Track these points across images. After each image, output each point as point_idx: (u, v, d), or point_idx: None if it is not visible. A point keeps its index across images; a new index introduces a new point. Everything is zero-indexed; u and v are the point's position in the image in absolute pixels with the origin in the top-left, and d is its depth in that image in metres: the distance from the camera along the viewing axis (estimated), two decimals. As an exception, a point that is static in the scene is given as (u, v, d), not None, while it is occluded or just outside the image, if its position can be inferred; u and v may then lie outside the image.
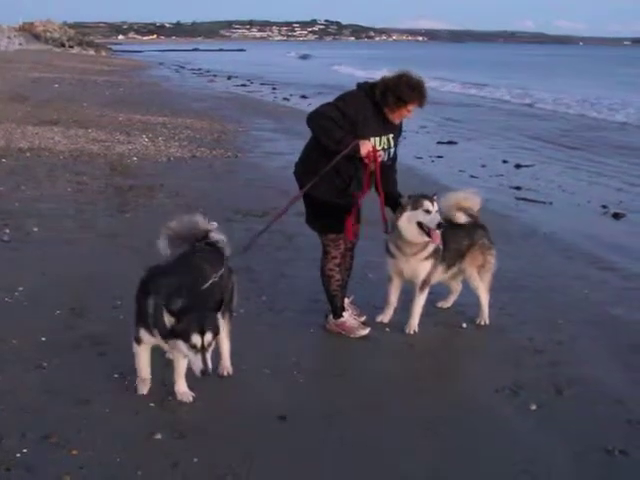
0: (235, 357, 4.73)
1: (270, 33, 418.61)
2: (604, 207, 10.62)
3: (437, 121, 21.23)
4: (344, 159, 5.02)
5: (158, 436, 3.96)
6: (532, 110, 27.02)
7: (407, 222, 5.26)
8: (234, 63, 66.56)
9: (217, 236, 4.63)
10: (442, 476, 3.82)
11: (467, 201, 5.76)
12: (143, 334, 4.15)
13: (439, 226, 5.20)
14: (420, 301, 5.62)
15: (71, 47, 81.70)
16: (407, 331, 5.60)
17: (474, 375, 5.10)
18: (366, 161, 5.07)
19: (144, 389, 4.37)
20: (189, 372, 4.15)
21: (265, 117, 20.43)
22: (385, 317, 5.79)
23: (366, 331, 5.53)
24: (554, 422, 4.38)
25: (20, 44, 69.84)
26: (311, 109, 5.25)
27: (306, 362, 5.05)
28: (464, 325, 5.84)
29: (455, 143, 17.20)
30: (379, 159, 5.16)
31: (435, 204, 5.27)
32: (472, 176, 12.72)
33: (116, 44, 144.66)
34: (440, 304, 6.14)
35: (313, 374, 4.90)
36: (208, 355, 3.79)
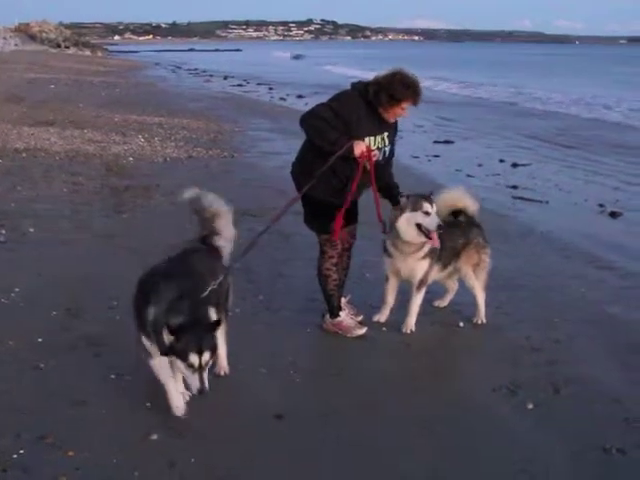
0: (232, 356, 4.72)
1: (266, 33, 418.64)
2: (601, 206, 10.62)
3: (433, 120, 21.23)
4: (340, 159, 5.00)
5: (154, 436, 3.95)
6: (529, 109, 27.01)
7: (406, 223, 5.25)
8: (230, 63, 66.54)
9: (220, 242, 4.63)
10: (441, 476, 3.81)
11: (461, 202, 5.75)
12: (147, 344, 4.07)
13: (438, 227, 5.19)
14: (417, 300, 5.61)
15: (67, 48, 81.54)
16: (404, 330, 5.60)
17: (471, 374, 5.09)
18: (359, 161, 5.05)
19: (180, 405, 4.13)
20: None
21: (262, 117, 20.42)
22: (382, 316, 5.78)
23: (363, 330, 5.53)
24: (552, 421, 4.38)
25: (16, 45, 69.73)
26: (307, 109, 5.25)
27: (303, 361, 5.05)
28: (461, 324, 5.84)
29: (452, 142, 17.19)
30: (374, 158, 5.15)
31: (434, 205, 5.27)
32: (469, 175, 12.73)
33: (112, 44, 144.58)
34: (437, 303, 6.14)
35: (310, 373, 4.90)
36: (205, 374, 3.76)
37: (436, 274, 5.65)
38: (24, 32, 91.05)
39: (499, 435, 4.22)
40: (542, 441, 4.15)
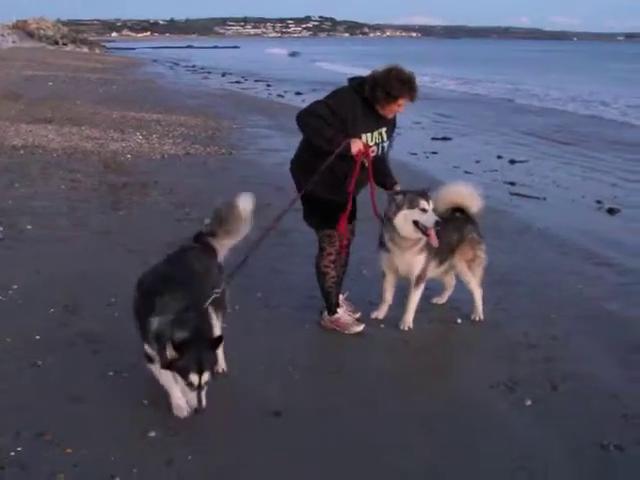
0: (230, 354, 4.71)
1: (264, 30, 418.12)
2: (599, 202, 10.63)
3: (431, 117, 21.20)
4: (337, 157, 4.98)
5: (152, 434, 3.95)
6: (526, 106, 26.99)
7: (403, 221, 5.24)
8: (228, 60, 66.46)
9: (216, 244, 4.64)
10: (439, 473, 3.81)
11: (467, 200, 5.72)
12: (148, 350, 4.06)
13: (436, 224, 5.19)
14: (415, 297, 5.61)
15: (65, 45, 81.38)
16: (402, 327, 5.60)
17: (469, 371, 5.10)
18: (356, 159, 5.04)
19: (183, 406, 4.08)
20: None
21: (260, 114, 20.40)
22: (380, 313, 5.78)
23: (361, 327, 5.53)
24: (550, 418, 4.39)
25: (13, 42, 69.60)
26: (304, 106, 5.24)
27: (301, 358, 5.05)
28: (459, 321, 5.84)
29: (449, 139, 17.19)
30: (372, 155, 5.14)
31: (431, 202, 5.26)
32: (467, 172, 12.72)
33: (110, 41, 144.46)
34: (435, 300, 6.14)
35: (308, 370, 4.90)
36: (203, 392, 3.76)
37: (433, 270, 5.65)
38: (22, 29, 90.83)
39: (497, 432, 4.22)
40: (540, 438, 4.16)
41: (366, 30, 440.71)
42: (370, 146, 5.13)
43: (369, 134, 5.12)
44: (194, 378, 3.72)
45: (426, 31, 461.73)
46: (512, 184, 11.80)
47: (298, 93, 28.72)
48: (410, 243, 5.37)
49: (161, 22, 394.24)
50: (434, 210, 5.25)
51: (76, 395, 4.30)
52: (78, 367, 4.66)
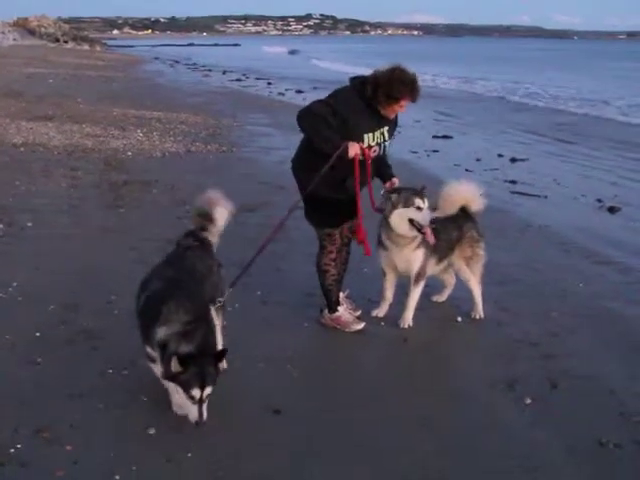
0: (229, 351, 4.70)
1: (265, 28, 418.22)
2: (599, 201, 10.62)
3: (432, 115, 21.21)
4: (337, 158, 4.96)
5: (152, 431, 3.96)
6: (527, 104, 26.97)
7: (399, 219, 5.24)
8: (229, 58, 66.40)
9: (209, 236, 4.66)
10: (439, 471, 3.81)
11: (471, 201, 5.71)
12: (151, 353, 4.05)
13: (431, 222, 5.19)
14: (415, 295, 5.61)
15: (65, 42, 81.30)
16: (401, 325, 5.60)
17: (469, 369, 5.09)
18: (354, 162, 5.01)
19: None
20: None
21: (260, 112, 20.39)
22: (380, 311, 5.78)
23: (361, 325, 5.53)
24: (549, 416, 4.38)
25: (14, 39, 69.52)
26: (305, 104, 5.22)
27: (301, 356, 5.05)
28: (459, 319, 5.84)
29: (450, 137, 17.18)
30: (373, 154, 5.13)
31: (426, 200, 5.25)
32: (467, 170, 12.71)
33: (111, 39, 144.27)
34: (435, 298, 6.14)
35: (308, 368, 4.90)
36: (204, 406, 3.75)
37: (432, 268, 5.65)
38: (23, 27, 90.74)
39: (497, 431, 4.22)
40: (540, 436, 4.16)
41: (367, 28, 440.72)
42: (372, 146, 5.11)
43: (371, 134, 5.10)
44: (196, 392, 3.71)
45: (428, 29, 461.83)
46: (513, 182, 11.80)
47: (299, 91, 28.67)
48: (407, 240, 5.37)
49: (162, 20, 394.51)
50: (435, 208, 5.25)
51: (76, 392, 4.30)
52: (78, 364, 4.66)
